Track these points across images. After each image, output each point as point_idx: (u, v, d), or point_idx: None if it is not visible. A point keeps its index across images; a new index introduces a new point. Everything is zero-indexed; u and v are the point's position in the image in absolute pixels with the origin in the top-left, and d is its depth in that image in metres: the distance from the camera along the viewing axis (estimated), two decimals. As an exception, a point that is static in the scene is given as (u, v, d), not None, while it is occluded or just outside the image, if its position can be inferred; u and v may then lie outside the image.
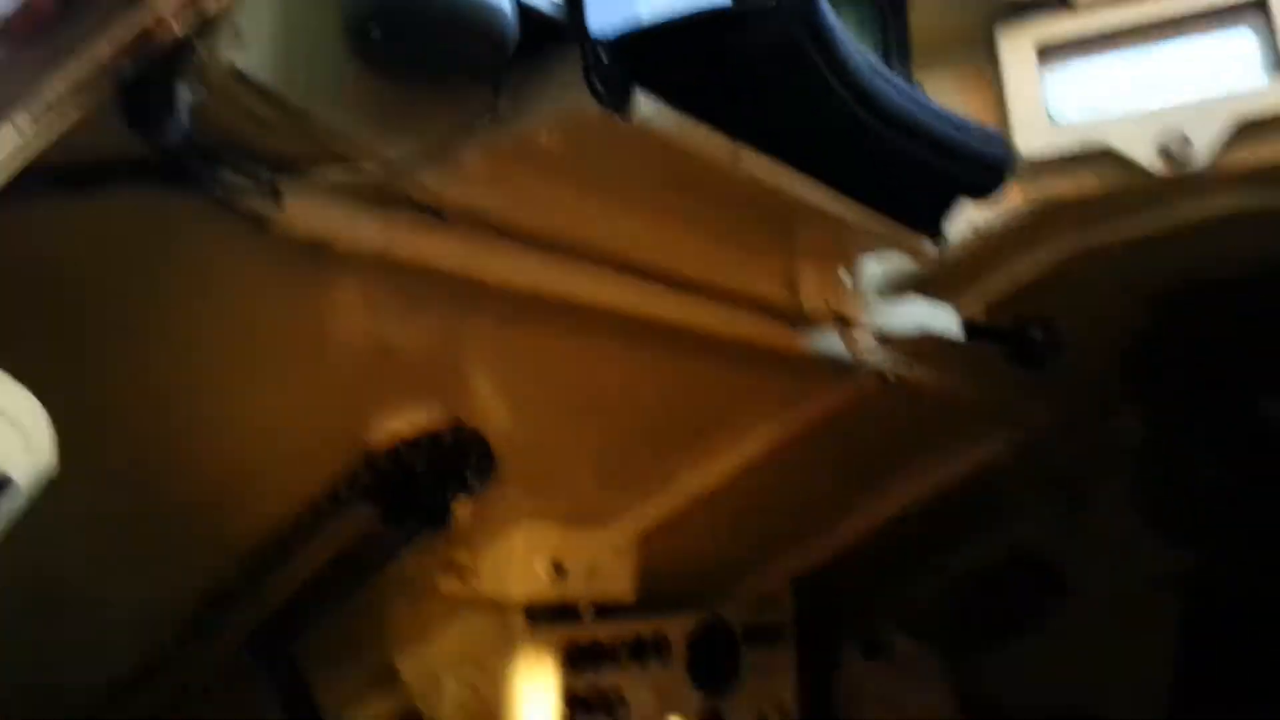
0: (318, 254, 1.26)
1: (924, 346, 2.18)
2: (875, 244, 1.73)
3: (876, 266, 2.03)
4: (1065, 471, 3.60)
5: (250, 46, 1.05)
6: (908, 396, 2.36)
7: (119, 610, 1.59)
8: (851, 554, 3.11)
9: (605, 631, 2.47)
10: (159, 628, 1.59)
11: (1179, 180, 1.97)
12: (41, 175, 0.99)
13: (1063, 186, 2.03)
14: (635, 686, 2.51)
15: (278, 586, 1.67)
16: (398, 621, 2.26)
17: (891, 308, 1.96)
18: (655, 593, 2.53)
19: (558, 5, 1.17)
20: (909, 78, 1.70)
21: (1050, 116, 1.98)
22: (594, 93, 1.16)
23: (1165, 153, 1.94)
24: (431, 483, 1.66)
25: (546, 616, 2.33)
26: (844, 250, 1.81)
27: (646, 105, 1.21)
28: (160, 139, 1.04)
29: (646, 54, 1.22)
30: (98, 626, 1.59)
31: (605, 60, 1.17)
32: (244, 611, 1.63)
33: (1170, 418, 3.01)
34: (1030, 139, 1.98)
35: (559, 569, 2.21)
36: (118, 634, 1.62)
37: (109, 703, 1.56)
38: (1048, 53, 2.06)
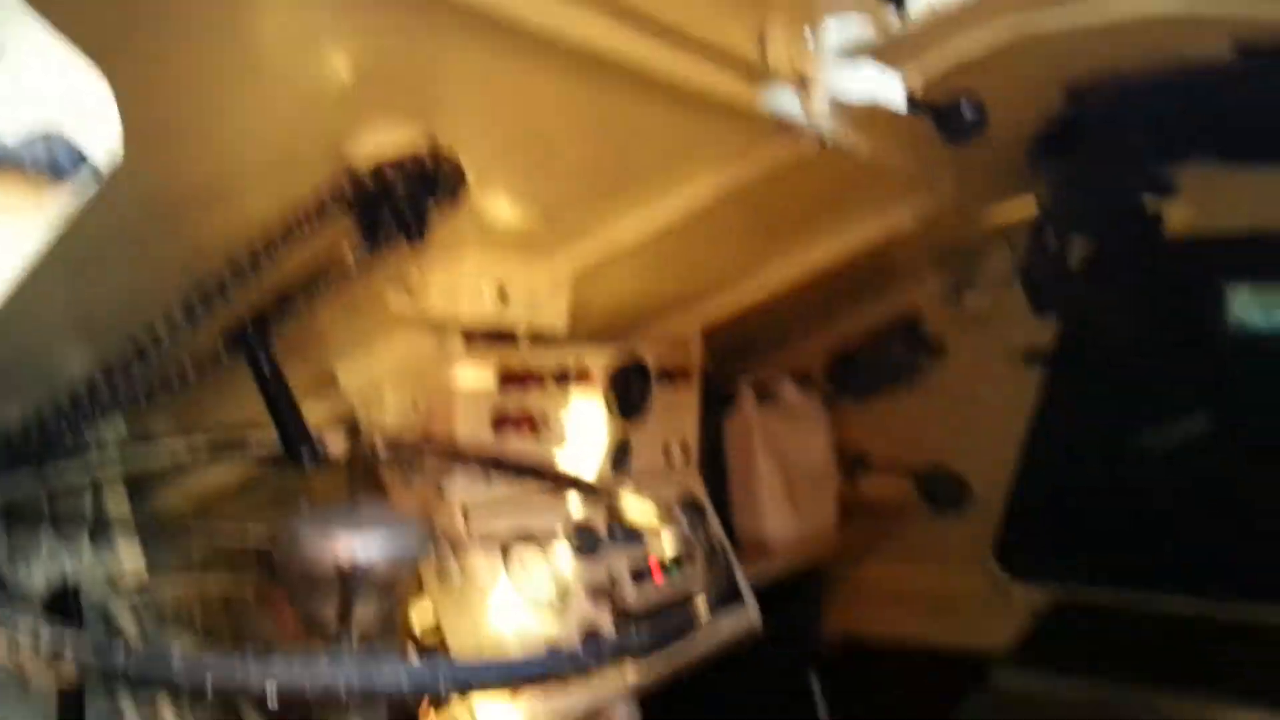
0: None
1: (865, 114, 2.30)
2: (845, 7, 1.80)
3: (833, 31, 2.11)
4: (959, 245, 3.85)
5: None
6: (839, 162, 2.49)
7: (115, 296, 1.67)
8: (757, 308, 3.33)
9: (535, 358, 2.65)
10: (150, 315, 1.67)
11: (1122, -25, 2.08)
12: None
13: (1014, -32, 2.12)
14: (558, 408, 2.73)
15: (259, 287, 1.76)
16: (342, 332, 2.38)
17: (845, 72, 2.05)
18: (580, 329, 2.70)
19: None
20: None
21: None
22: None
23: (1115, -54, 2.04)
24: (410, 198, 1.74)
25: (484, 339, 2.49)
26: (813, 9, 1.88)
27: None
28: None
29: None
30: (92, 311, 1.67)
31: None
32: (227, 307, 1.72)
33: (1062, 201, 3.23)
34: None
35: (503, 295, 2.35)
36: (112, 320, 1.70)
37: (105, 380, 1.65)
38: None
